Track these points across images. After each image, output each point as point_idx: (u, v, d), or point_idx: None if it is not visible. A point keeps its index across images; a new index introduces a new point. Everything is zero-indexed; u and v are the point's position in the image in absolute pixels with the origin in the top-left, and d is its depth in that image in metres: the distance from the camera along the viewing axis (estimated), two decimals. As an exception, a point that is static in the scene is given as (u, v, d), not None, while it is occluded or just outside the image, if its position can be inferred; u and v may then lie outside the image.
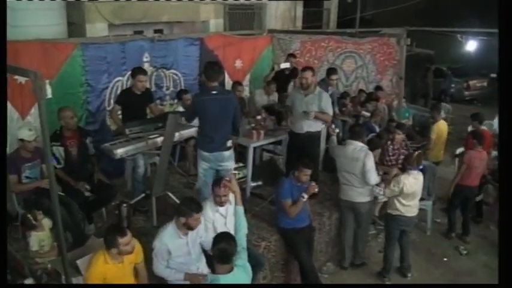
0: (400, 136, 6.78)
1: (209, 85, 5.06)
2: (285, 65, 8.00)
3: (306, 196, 5.18)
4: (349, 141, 5.73)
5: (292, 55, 8.49)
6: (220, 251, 3.52)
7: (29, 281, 4.40)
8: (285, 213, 5.26)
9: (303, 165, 5.20)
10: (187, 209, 4.11)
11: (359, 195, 5.70)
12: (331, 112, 6.11)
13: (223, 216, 4.65)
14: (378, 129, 8.45)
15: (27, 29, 6.14)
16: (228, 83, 8.20)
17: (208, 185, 5.20)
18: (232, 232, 4.56)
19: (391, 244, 5.92)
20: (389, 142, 6.92)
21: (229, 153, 5.23)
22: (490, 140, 7.58)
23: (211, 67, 5.10)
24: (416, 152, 5.77)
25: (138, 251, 4.09)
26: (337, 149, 5.91)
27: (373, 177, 5.54)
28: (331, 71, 7.94)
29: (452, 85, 16.70)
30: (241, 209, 4.11)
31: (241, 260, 3.70)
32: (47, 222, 4.74)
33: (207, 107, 4.99)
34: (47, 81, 3.30)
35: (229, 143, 5.19)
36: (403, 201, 5.63)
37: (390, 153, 6.89)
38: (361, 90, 10.15)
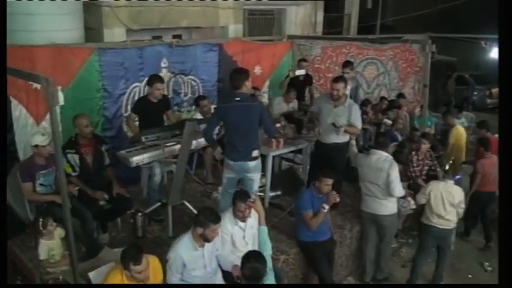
0: (425, 146, 6.54)
1: (234, 91, 4.90)
2: (300, 72, 7.83)
3: (326, 207, 4.97)
4: (373, 151, 5.51)
5: (303, 60, 8.32)
6: (253, 270, 3.36)
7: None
8: (305, 225, 5.05)
9: (323, 175, 5.00)
10: (204, 220, 3.95)
11: (382, 207, 5.47)
12: (360, 126, 5.88)
13: (242, 230, 4.46)
14: (400, 138, 8.25)
15: (43, 34, 6.05)
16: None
17: (229, 195, 5.06)
18: (250, 247, 4.43)
19: (421, 253, 5.75)
20: (413, 152, 6.68)
21: (255, 164, 5.01)
22: (496, 145, 7.29)
23: (235, 74, 4.94)
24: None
25: (156, 272, 3.92)
26: (360, 158, 5.68)
27: (398, 189, 5.31)
28: (346, 63, 7.67)
29: (475, 93, 16.34)
30: (265, 229, 3.93)
31: (269, 280, 3.52)
32: (58, 232, 4.60)
33: (230, 114, 4.84)
34: (59, 87, 3.15)
35: (255, 153, 4.97)
36: (435, 211, 5.46)
37: (415, 164, 6.65)
38: (382, 98, 9.94)
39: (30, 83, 5.38)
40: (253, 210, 4.47)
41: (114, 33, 7.78)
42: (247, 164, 4.96)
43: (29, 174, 4.77)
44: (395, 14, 16.00)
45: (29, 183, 4.78)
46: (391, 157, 5.45)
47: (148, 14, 8.07)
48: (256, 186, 5.11)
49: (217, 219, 3.99)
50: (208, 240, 4.02)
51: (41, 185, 4.84)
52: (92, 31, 7.72)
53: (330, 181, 4.99)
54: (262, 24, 10.81)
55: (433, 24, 12.96)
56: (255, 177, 5.09)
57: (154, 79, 5.69)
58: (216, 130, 5.39)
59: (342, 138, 5.80)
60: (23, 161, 5.00)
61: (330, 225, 5.34)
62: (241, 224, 4.43)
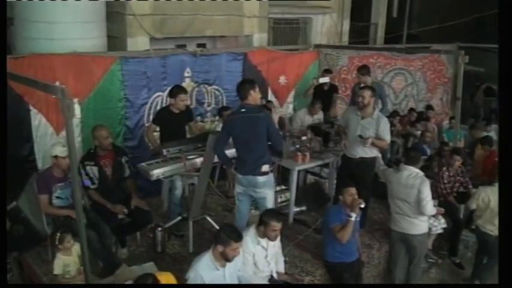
0: (458, 162, 6.21)
1: (241, 103, 4.72)
2: (323, 80, 7.60)
3: (353, 215, 4.67)
4: (403, 166, 5.21)
5: (328, 70, 8.09)
6: None
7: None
8: (333, 244, 4.78)
9: (344, 185, 4.87)
10: (225, 237, 3.76)
11: (412, 226, 5.17)
12: (388, 139, 5.55)
13: (265, 249, 4.24)
14: (428, 152, 7.96)
15: (65, 42, 5.92)
16: (272, 99, 7.84)
17: (242, 212, 4.92)
18: (273, 266, 4.22)
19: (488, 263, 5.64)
20: (444, 168, 6.35)
21: (264, 180, 4.73)
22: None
23: (239, 85, 4.77)
24: None
25: None
26: (389, 174, 5.39)
27: (429, 207, 5.01)
28: (361, 67, 7.23)
29: (506, 104, 15.78)
30: None
31: None
32: (76, 248, 4.41)
33: (236, 126, 4.64)
34: (76, 100, 2.98)
35: (264, 168, 4.70)
36: (488, 217, 5.35)
37: (445, 181, 6.31)
38: (411, 109, 9.65)
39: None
40: None
41: (138, 42, 7.64)
42: (255, 179, 4.70)
43: (46, 186, 4.63)
44: (420, 23, 15.61)
45: (45, 195, 4.64)
46: (422, 173, 5.16)
47: (173, 23, 7.92)
48: (269, 204, 4.84)
49: (239, 237, 3.80)
50: (229, 260, 3.82)
51: (58, 197, 4.69)
52: (116, 40, 7.61)
53: (352, 190, 4.76)
54: (287, 34, 10.60)
55: (460, 33, 12.59)
56: (266, 194, 4.80)
57: (178, 90, 5.50)
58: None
59: (369, 152, 5.52)
60: (40, 172, 4.87)
61: (358, 245, 5.07)
62: (264, 243, 4.21)
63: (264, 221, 4.17)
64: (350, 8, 11.82)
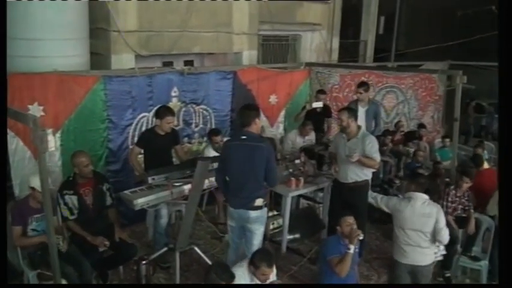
0: (466, 185, 5.92)
1: (241, 129, 4.40)
2: (317, 105, 7.37)
3: (351, 247, 4.34)
4: (414, 194, 4.77)
5: (321, 91, 7.85)
6: None
7: None
8: (332, 274, 4.43)
9: (341, 215, 4.46)
10: (216, 278, 3.45)
11: (424, 257, 4.76)
12: (377, 157, 5.27)
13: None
14: (421, 171, 7.74)
15: (47, 60, 5.60)
16: (262, 119, 7.53)
17: (236, 242, 4.63)
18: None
19: None
20: (452, 187, 6.08)
21: (257, 214, 4.41)
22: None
23: (245, 110, 4.45)
24: None
25: None
26: (398, 203, 4.86)
27: (447, 235, 4.67)
28: (360, 84, 7.10)
29: (494, 122, 15.72)
30: None
31: None
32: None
33: (233, 153, 4.32)
34: (50, 130, 2.65)
35: (258, 202, 4.39)
36: None
37: (450, 199, 6.02)
38: (398, 123, 9.52)
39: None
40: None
41: (123, 59, 7.34)
42: (247, 213, 4.39)
43: (20, 217, 4.29)
44: (407, 40, 15.60)
45: (19, 227, 4.29)
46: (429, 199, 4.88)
47: (159, 40, 7.64)
48: (256, 241, 4.51)
49: (230, 279, 3.51)
50: None
51: (34, 230, 4.34)
52: (99, 57, 7.31)
53: (349, 219, 4.40)
54: (276, 51, 10.39)
55: (448, 50, 12.53)
56: (256, 229, 4.48)
57: (164, 111, 5.17)
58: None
59: (361, 175, 5.28)
60: (15, 202, 4.50)
61: (357, 277, 4.74)
62: (257, 281, 3.88)
63: (254, 262, 3.84)
64: (339, 25, 11.69)
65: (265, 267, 3.78)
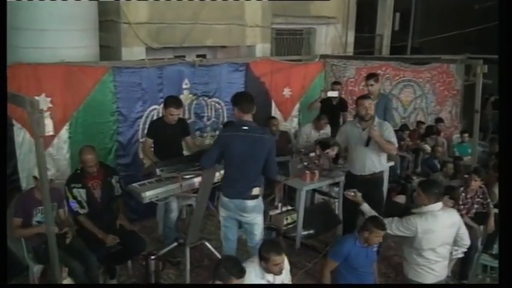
0: (476, 183, 5.63)
1: (241, 118, 4.18)
2: (332, 94, 7.10)
3: None
4: (432, 207, 4.14)
5: (337, 82, 7.62)
6: None
7: None
8: (350, 272, 4.20)
9: (375, 226, 4.08)
10: (225, 272, 3.26)
11: (446, 270, 4.38)
12: (395, 142, 5.06)
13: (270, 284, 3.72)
14: (439, 167, 7.51)
15: (55, 51, 5.48)
16: (276, 113, 7.38)
17: (230, 239, 4.43)
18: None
19: None
20: (461, 189, 5.80)
21: (253, 204, 4.23)
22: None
23: (246, 97, 4.24)
24: None
25: None
26: (422, 222, 4.08)
27: (468, 237, 4.31)
28: (370, 75, 6.71)
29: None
30: None
31: None
32: (68, 282, 3.94)
33: (234, 144, 4.10)
34: (47, 113, 2.49)
35: (255, 191, 4.22)
36: None
37: (461, 202, 5.76)
38: (419, 122, 9.28)
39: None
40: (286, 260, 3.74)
41: (133, 52, 7.21)
42: (244, 203, 4.21)
43: (22, 208, 4.16)
44: (422, 36, 15.31)
45: (19, 219, 4.16)
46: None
47: (170, 32, 7.50)
48: (257, 231, 4.35)
49: (240, 274, 3.30)
50: None
51: (39, 222, 4.20)
52: (110, 50, 7.18)
53: (382, 233, 4.10)
54: (290, 45, 10.19)
55: (463, 45, 12.22)
56: (255, 219, 4.31)
57: (169, 102, 5.01)
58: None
59: (379, 166, 5.06)
60: (21, 193, 4.37)
61: (375, 276, 4.51)
62: (270, 278, 3.69)
63: (263, 255, 3.63)
64: (355, 19, 11.46)
65: (274, 255, 3.58)
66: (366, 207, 4.55)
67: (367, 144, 4.90)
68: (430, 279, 4.22)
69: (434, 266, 4.21)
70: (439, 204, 4.14)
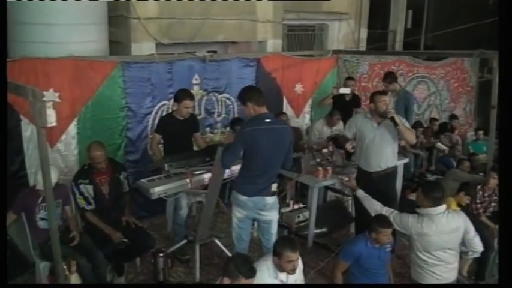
0: (495, 181, 5.48)
1: (260, 112, 3.97)
2: (344, 90, 6.93)
3: None
4: (432, 210, 3.94)
5: (350, 78, 7.47)
6: None
7: None
8: (363, 272, 4.09)
9: (380, 225, 3.95)
10: (235, 270, 3.14)
11: (452, 273, 4.15)
12: (413, 131, 4.98)
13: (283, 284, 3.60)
14: (454, 165, 7.35)
15: (63, 46, 5.40)
16: (287, 109, 7.25)
17: (244, 240, 4.24)
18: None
19: None
20: (479, 187, 5.65)
21: (273, 200, 4.10)
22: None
23: (256, 90, 4.08)
24: None
25: None
26: (416, 224, 3.98)
27: (480, 242, 4.09)
28: (387, 74, 6.81)
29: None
30: None
31: None
32: (76, 280, 3.85)
33: (259, 139, 3.88)
34: (50, 103, 2.39)
35: (274, 187, 4.09)
36: None
37: (478, 200, 5.61)
38: (433, 119, 9.14)
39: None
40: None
41: (143, 48, 7.14)
42: (264, 200, 4.04)
43: (22, 204, 4.08)
44: (434, 33, 15.12)
45: (14, 215, 4.10)
46: (458, 208, 4.42)
47: (181, 27, 7.41)
48: (274, 230, 4.22)
49: (250, 273, 3.17)
50: None
51: (43, 219, 4.12)
52: (119, 45, 7.11)
53: (389, 231, 3.97)
54: (302, 41, 10.06)
55: (477, 43, 12.03)
56: (273, 217, 4.18)
57: (183, 95, 4.89)
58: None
59: (393, 160, 4.92)
60: (24, 190, 4.28)
61: (390, 275, 4.39)
62: (283, 277, 3.57)
63: (277, 252, 3.50)
64: (367, 15, 11.30)
65: (289, 252, 3.45)
66: (360, 192, 4.46)
67: (382, 139, 4.77)
68: (431, 282, 4.06)
69: (433, 269, 4.05)
70: (439, 209, 3.94)
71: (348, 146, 5.04)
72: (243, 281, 3.13)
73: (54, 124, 2.45)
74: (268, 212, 4.11)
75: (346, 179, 4.62)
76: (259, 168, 3.98)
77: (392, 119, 4.59)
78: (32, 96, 2.36)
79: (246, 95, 4.01)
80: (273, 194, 4.09)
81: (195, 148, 5.25)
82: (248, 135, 3.91)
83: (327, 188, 6.00)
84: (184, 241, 4.83)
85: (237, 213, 4.16)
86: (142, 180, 4.34)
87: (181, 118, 4.92)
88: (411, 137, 4.77)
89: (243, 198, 4.05)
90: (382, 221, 3.99)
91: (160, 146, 5.14)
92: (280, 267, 3.51)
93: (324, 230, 5.45)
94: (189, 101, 4.87)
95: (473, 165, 7.17)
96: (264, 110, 3.97)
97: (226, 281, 3.16)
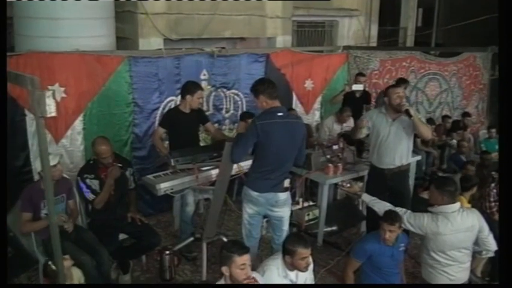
0: None
1: (272, 105, 3.87)
2: (357, 87, 6.82)
3: None
4: (447, 207, 3.82)
5: (361, 74, 7.34)
6: None
7: None
8: (374, 271, 3.96)
9: (384, 220, 3.86)
10: (227, 253, 3.02)
11: (464, 273, 4.03)
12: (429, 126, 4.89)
13: (293, 283, 3.48)
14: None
15: (70, 41, 5.34)
16: (297, 106, 7.13)
17: (254, 238, 4.13)
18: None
19: None
20: (493, 185, 5.49)
21: (285, 196, 4.00)
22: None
23: (269, 83, 3.95)
24: None
25: None
26: (431, 223, 3.83)
27: (494, 241, 3.93)
28: (400, 81, 6.74)
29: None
30: None
31: None
32: (77, 274, 3.77)
33: (272, 133, 3.79)
34: (49, 92, 2.29)
35: (286, 183, 3.98)
36: None
37: (492, 199, 5.45)
38: (445, 116, 8.98)
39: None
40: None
41: (151, 43, 7.08)
42: (276, 196, 3.94)
43: (30, 202, 3.96)
44: (445, 32, 14.97)
45: (27, 214, 3.96)
46: (469, 205, 4.28)
47: (188, 23, 7.33)
48: (285, 226, 4.11)
49: (241, 250, 3.04)
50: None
51: (47, 215, 4.02)
52: (127, 41, 7.06)
53: (393, 227, 3.83)
54: (312, 37, 9.96)
55: (488, 40, 11.87)
56: (285, 213, 4.07)
57: (195, 86, 4.83)
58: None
59: (407, 157, 4.78)
60: (28, 186, 4.20)
61: (402, 275, 4.24)
62: (293, 276, 3.44)
63: (288, 249, 3.38)
64: (378, 11, 11.16)
65: (302, 249, 3.33)
66: (366, 197, 4.33)
67: (396, 135, 4.64)
68: (442, 282, 3.94)
69: (446, 269, 3.92)
70: (454, 206, 3.83)
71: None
72: (238, 261, 3.00)
73: (54, 114, 2.34)
74: (281, 209, 4.02)
75: (348, 185, 4.49)
76: (272, 163, 3.88)
77: (406, 111, 4.46)
78: (30, 85, 2.26)
79: (258, 88, 3.91)
80: (285, 189, 3.99)
81: (204, 142, 5.16)
82: (260, 128, 3.79)
83: (337, 185, 5.88)
84: (191, 239, 4.72)
85: (248, 210, 4.05)
86: (149, 176, 4.26)
87: (187, 111, 4.83)
88: (426, 131, 4.64)
89: (255, 194, 3.95)
90: (387, 217, 3.88)
91: (166, 142, 5.06)
92: (292, 266, 3.39)
93: (334, 228, 5.33)
94: (201, 91, 4.85)
95: (486, 163, 7.02)
96: (276, 103, 3.87)
97: (225, 270, 3.03)
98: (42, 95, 2.19)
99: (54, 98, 2.25)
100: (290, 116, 3.99)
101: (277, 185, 3.92)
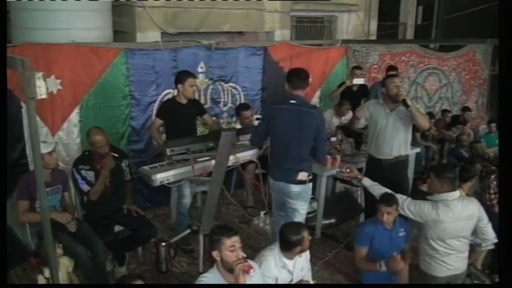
0: None
1: (289, 93, 3.97)
2: (358, 81, 6.80)
3: (383, 268, 3.83)
4: (448, 195, 3.81)
5: (357, 67, 7.30)
6: None
7: None
8: (357, 262, 3.98)
9: (381, 202, 3.91)
10: (214, 237, 2.96)
11: (465, 262, 4.01)
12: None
13: (290, 273, 3.45)
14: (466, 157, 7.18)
15: (66, 32, 5.31)
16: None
17: (277, 221, 4.22)
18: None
19: None
20: (493, 176, 5.46)
21: (299, 189, 3.98)
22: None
23: (297, 73, 4.02)
24: None
25: None
26: (431, 210, 3.81)
27: (492, 230, 3.94)
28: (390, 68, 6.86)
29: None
30: None
31: None
32: (65, 263, 3.75)
33: (279, 117, 3.90)
34: (40, 74, 2.25)
35: (301, 175, 3.96)
36: None
37: (492, 191, 5.42)
38: (445, 111, 8.97)
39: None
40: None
41: (148, 37, 7.05)
42: (288, 187, 3.97)
43: (27, 190, 3.92)
44: (445, 29, 14.94)
45: (25, 202, 3.93)
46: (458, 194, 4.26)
47: (186, 17, 7.30)
48: (298, 219, 4.07)
49: (230, 232, 2.97)
50: (231, 268, 2.99)
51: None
52: (124, 35, 7.02)
53: (389, 208, 3.87)
54: (311, 32, 9.92)
55: (490, 35, 11.85)
56: (299, 206, 4.07)
57: (185, 74, 4.80)
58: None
59: (405, 148, 4.75)
60: (25, 175, 4.17)
61: (405, 273, 4.19)
62: (290, 266, 3.42)
63: (286, 240, 3.40)
64: (377, 7, 11.12)
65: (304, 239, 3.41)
66: (366, 181, 4.32)
67: (394, 126, 4.62)
68: (441, 272, 3.92)
69: (445, 259, 3.89)
70: (454, 194, 3.82)
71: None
72: (227, 243, 2.92)
73: (44, 96, 2.31)
74: (295, 201, 4.05)
75: (348, 170, 4.46)
76: (278, 149, 4.02)
77: (403, 101, 4.43)
78: (21, 66, 2.23)
79: (286, 76, 4.07)
80: (298, 182, 3.98)
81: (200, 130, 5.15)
82: (267, 113, 4.12)
83: (335, 178, 5.84)
84: (188, 231, 4.67)
85: (273, 194, 4.32)
86: (145, 167, 4.22)
87: (184, 101, 4.80)
88: (424, 121, 4.60)
89: (271, 180, 4.18)
90: (384, 198, 3.93)
91: (161, 131, 5.03)
92: (291, 254, 3.38)
93: (332, 221, 5.30)
94: (193, 79, 4.81)
95: (476, 153, 7.04)
96: (296, 92, 3.95)
97: (216, 255, 2.94)
98: (32, 75, 2.16)
99: (44, 80, 2.21)
100: (304, 105, 3.97)
101: (290, 175, 3.96)
